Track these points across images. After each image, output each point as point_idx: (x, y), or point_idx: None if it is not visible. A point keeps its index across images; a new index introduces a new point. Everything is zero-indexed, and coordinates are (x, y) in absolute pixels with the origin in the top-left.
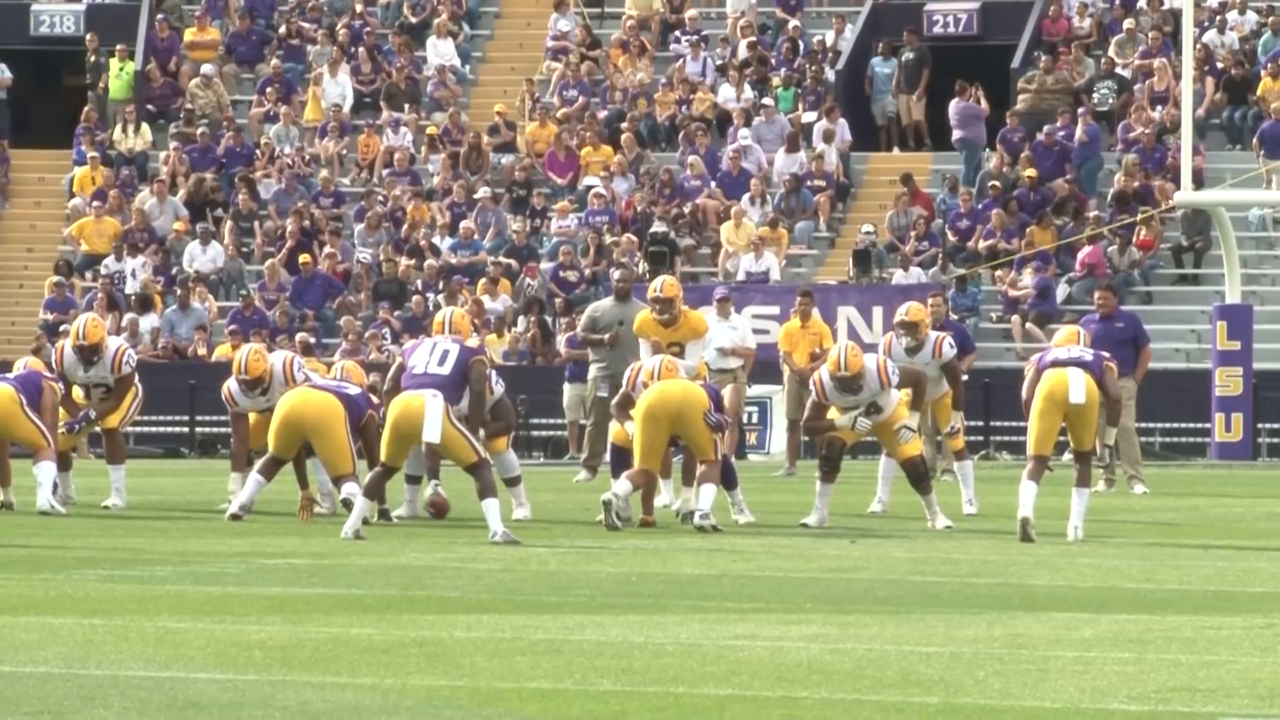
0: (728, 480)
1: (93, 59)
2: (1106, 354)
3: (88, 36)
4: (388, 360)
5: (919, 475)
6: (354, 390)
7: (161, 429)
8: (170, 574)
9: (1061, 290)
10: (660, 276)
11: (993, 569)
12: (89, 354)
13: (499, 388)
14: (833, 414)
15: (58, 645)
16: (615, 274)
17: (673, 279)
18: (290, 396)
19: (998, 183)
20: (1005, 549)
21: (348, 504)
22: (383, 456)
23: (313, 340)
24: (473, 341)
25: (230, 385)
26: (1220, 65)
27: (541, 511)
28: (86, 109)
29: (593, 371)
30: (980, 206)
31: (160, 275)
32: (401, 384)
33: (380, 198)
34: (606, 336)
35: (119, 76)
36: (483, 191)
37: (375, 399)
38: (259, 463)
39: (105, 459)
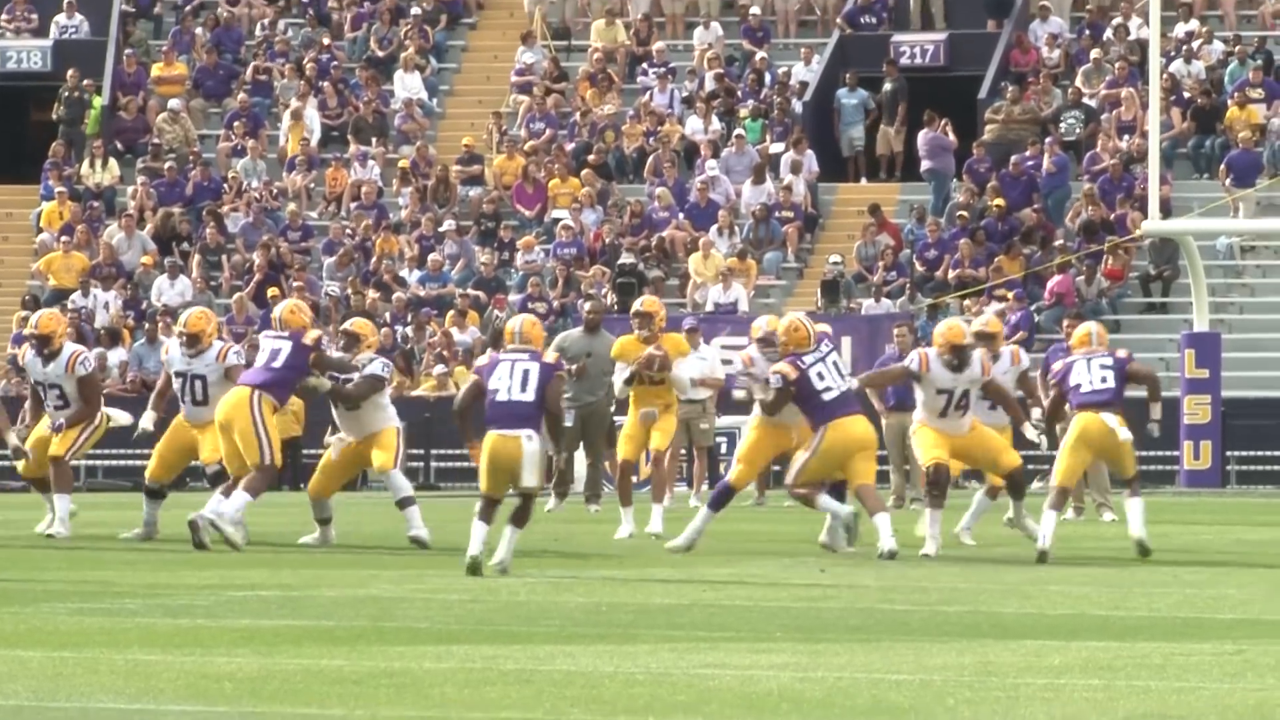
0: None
1: (71, 94)
2: (1123, 352)
3: (69, 73)
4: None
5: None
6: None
7: (130, 462)
8: (139, 606)
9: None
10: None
11: (962, 597)
12: (41, 346)
13: None
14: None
15: (27, 678)
16: (586, 305)
17: (654, 297)
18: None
19: (965, 213)
20: (975, 576)
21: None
22: (483, 488)
23: None
24: (548, 356)
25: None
26: (1187, 94)
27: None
28: (55, 144)
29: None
30: (948, 236)
31: (129, 309)
32: (487, 410)
33: (348, 231)
34: (574, 368)
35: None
36: (450, 224)
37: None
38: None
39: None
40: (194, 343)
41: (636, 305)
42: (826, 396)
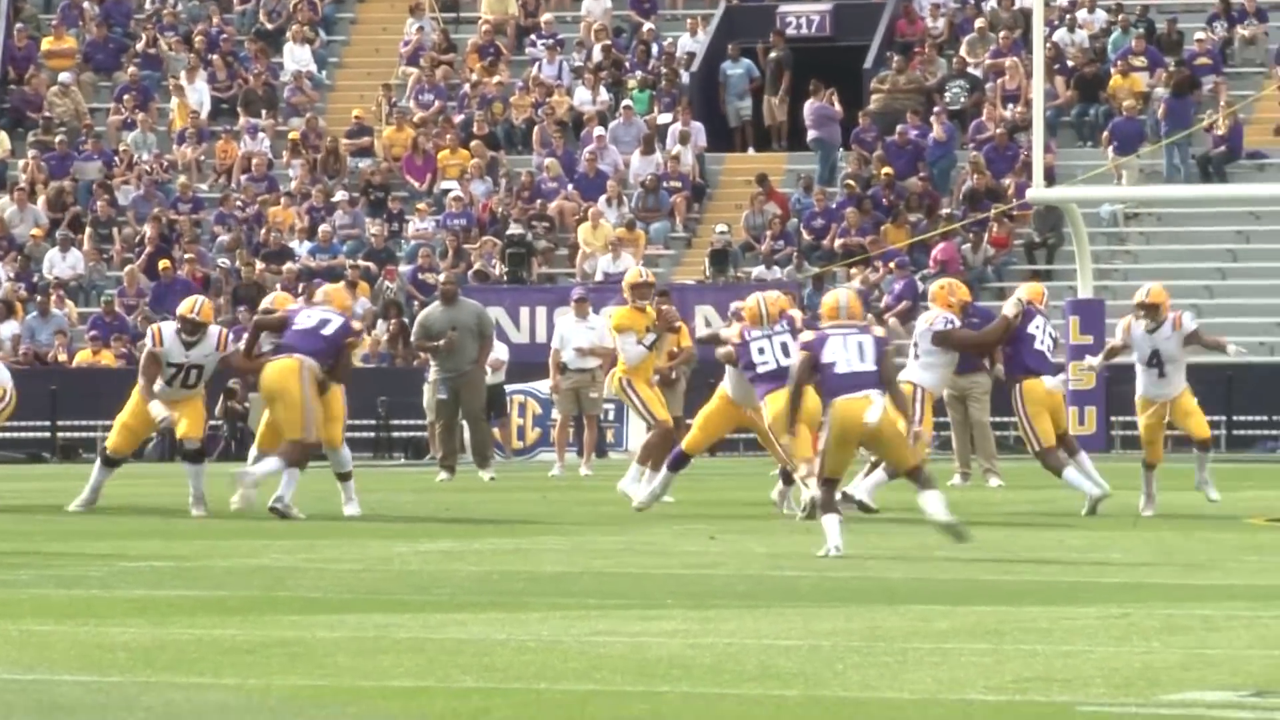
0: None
1: None
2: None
3: None
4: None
5: None
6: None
7: (23, 434)
8: (33, 577)
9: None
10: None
11: (850, 562)
12: None
13: None
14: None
15: None
16: (441, 278)
17: (644, 268)
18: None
19: (852, 182)
20: (863, 543)
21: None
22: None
23: None
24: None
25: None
26: (1071, 63)
27: (404, 511)
28: None
29: (432, 375)
30: (835, 205)
31: (21, 282)
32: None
33: (238, 202)
34: (441, 343)
35: None
36: (341, 195)
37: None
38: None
39: None
40: (195, 330)
41: (631, 279)
42: (761, 370)
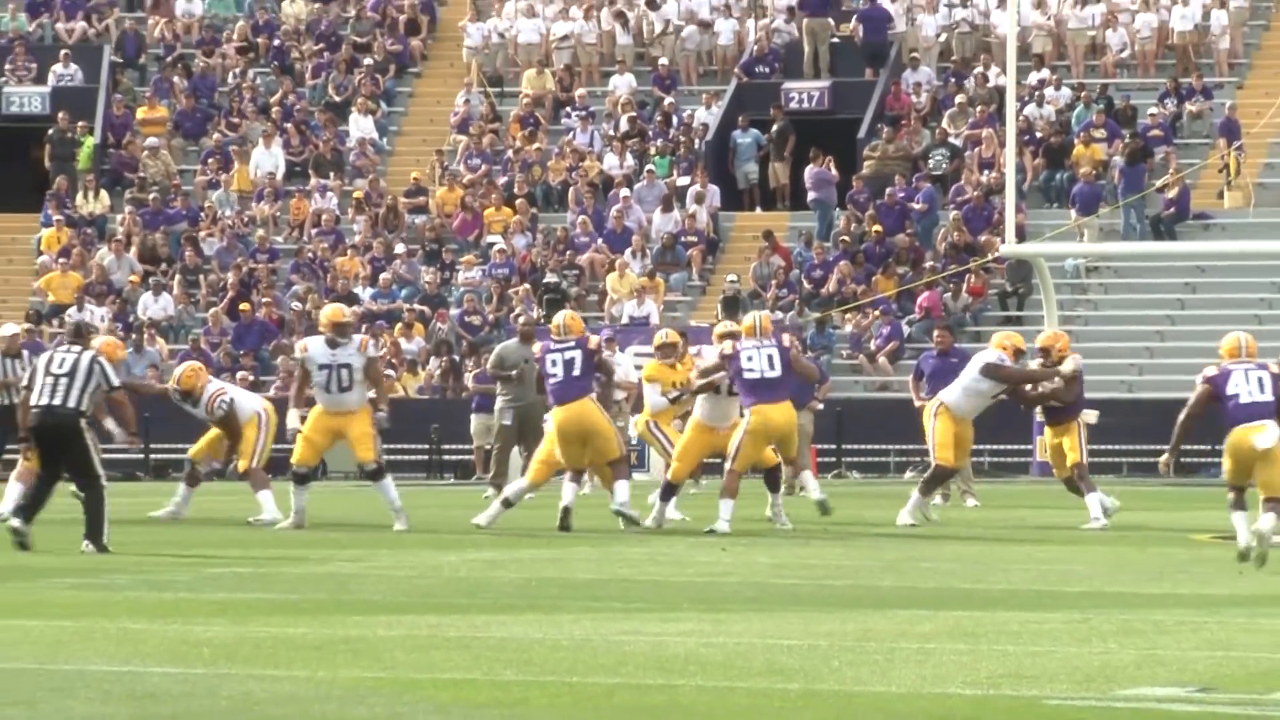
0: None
1: (62, 135)
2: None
3: (60, 116)
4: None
5: None
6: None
7: (120, 455)
8: (129, 581)
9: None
10: (663, 329)
11: (845, 573)
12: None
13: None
14: None
15: (30, 645)
16: (520, 319)
17: (673, 330)
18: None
19: (847, 238)
20: (856, 555)
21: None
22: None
23: (251, 378)
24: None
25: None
26: (1039, 134)
27: (453, 525)
28: (58, 178)
29: (499, 403)
30: (831, 258)
31: (118, 321)
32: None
33: (309, 253)
34: (514, 372)
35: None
36: (399, 248)
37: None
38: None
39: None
40: (343, 332)
41: (659, 340)
42: (747, 376)
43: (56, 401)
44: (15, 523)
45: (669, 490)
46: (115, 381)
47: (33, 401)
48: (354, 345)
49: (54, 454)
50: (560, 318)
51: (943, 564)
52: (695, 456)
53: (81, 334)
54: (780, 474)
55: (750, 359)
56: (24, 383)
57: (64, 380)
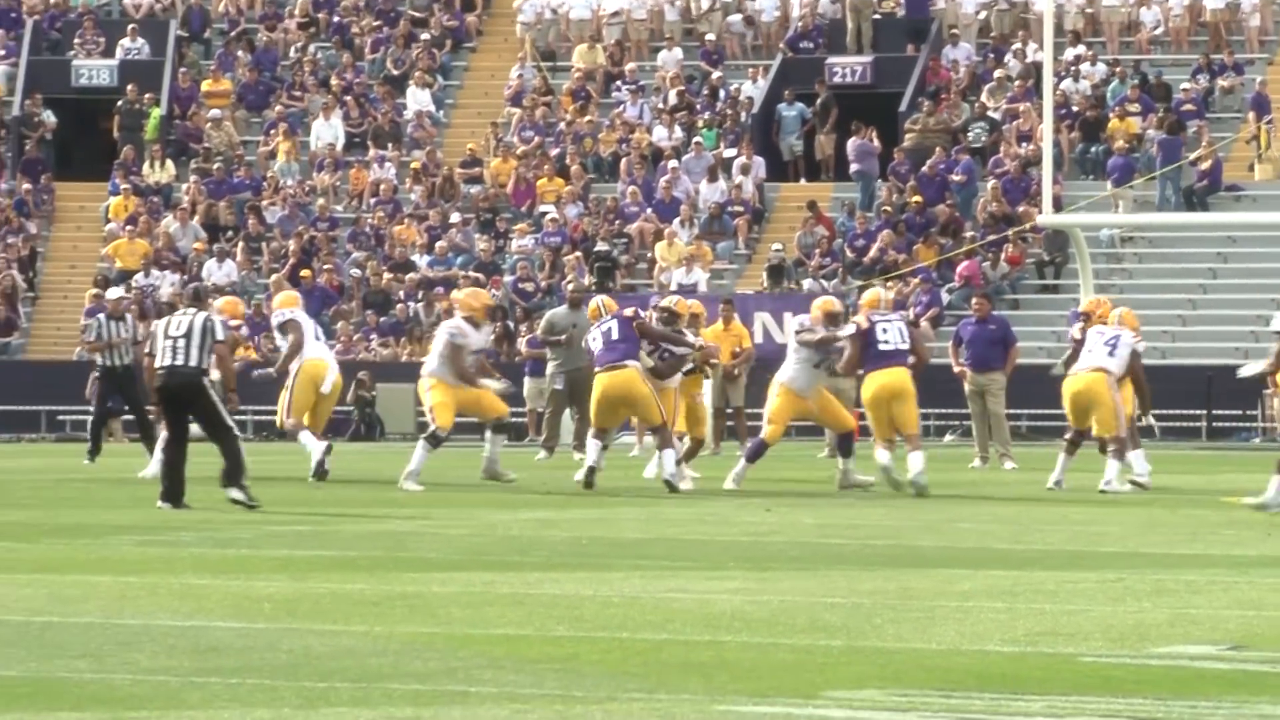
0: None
1: (130, 106)
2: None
3: (128, 88)
4: (374, 357)
5: None
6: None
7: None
8: (193, 539)
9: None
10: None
11: (887, 532)
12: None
13: None
14: None
15: (98, 599)
16: (570, 285)
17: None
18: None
19: (888, 208)
20: (897, 515)
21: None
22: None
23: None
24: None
25: None
26: (1075, 108)
27: (507, 486)
28: (125, 148)
29: (550, 368)
30: (874, 228)
31: (183, 288)
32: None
33: (368, 221)
34: (564, 337)
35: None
36: (455, 216)
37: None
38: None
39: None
40: (493, 317)
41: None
42: (882, 348)
43: (179, 362)
44: (163, 506)
45: (759, 450)
46: (220, 335)
47: (157, 364)
48: (488, 330)
49: (181, 412)
50: (597, 300)
51: (981, 524)
52: (785, 420)
53: (200, 297)
54: (854, 440)
55: (885, 331)
56: (147, 349)
57: (182, 341)
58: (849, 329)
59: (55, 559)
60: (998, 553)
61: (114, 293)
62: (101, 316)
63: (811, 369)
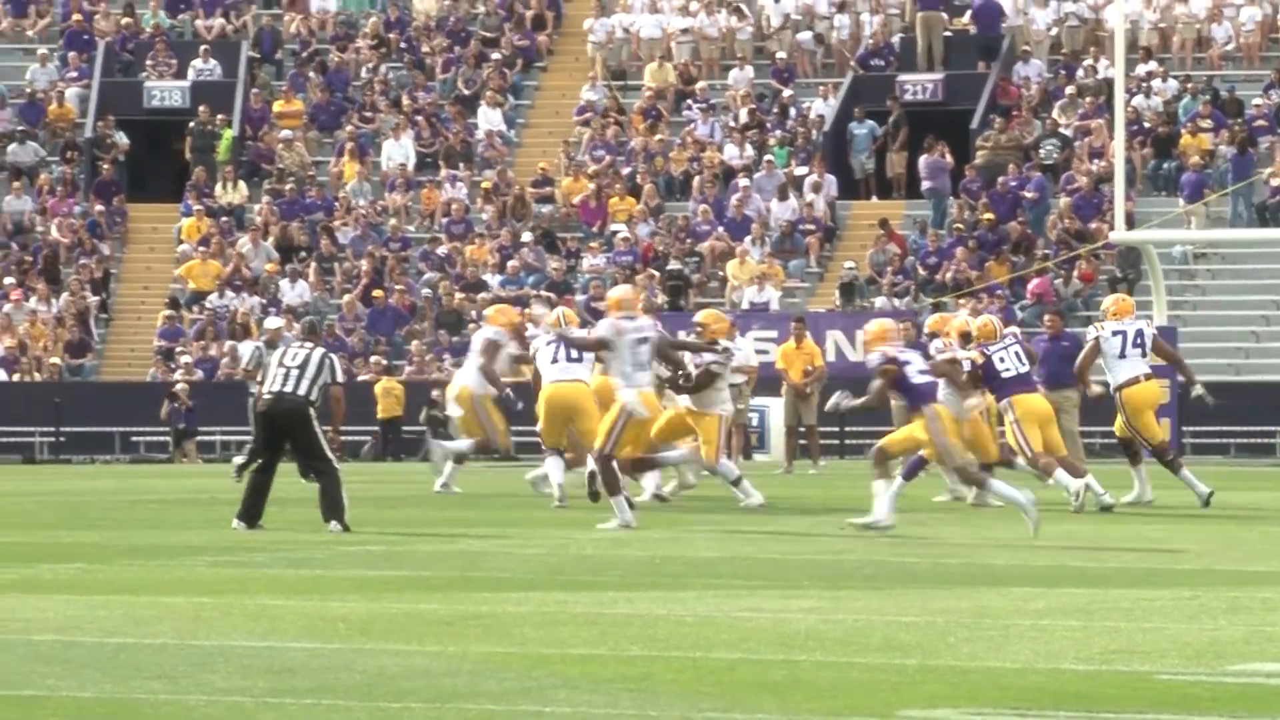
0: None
1: (202, 127)
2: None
3: (200, 109)
4: (446, 377)
5: None
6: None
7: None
8: (266, 559)
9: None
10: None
11: (961, 551)
12: None
13: None
14: None
15: (172, 620)
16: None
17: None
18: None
19: (960, 225)
20: (972, 534)
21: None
22: None
23: (385, 362)
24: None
25: None
26: (1147, 125)
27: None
28: (198, 169)
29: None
30: (946, 245)
31: (269, 309)
32: None
33: (440, 241)
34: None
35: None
36: (526, 236)
37: None
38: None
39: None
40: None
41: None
42: (1004, 375)
43: (288, 389)
44: (238, 525)
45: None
46: (340, 377)
47: (265, 389)
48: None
49: (279, 439)
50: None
51: (1056, 542)
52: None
53: (314, 332)
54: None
55: (1003, 360)
56: (258, 377)
57: (295, 371)
58: (965, 364)
59: (130, 580)
60: (1073, 571)
61: (273, 322)
62: (262, 344)
63: (958, 395)
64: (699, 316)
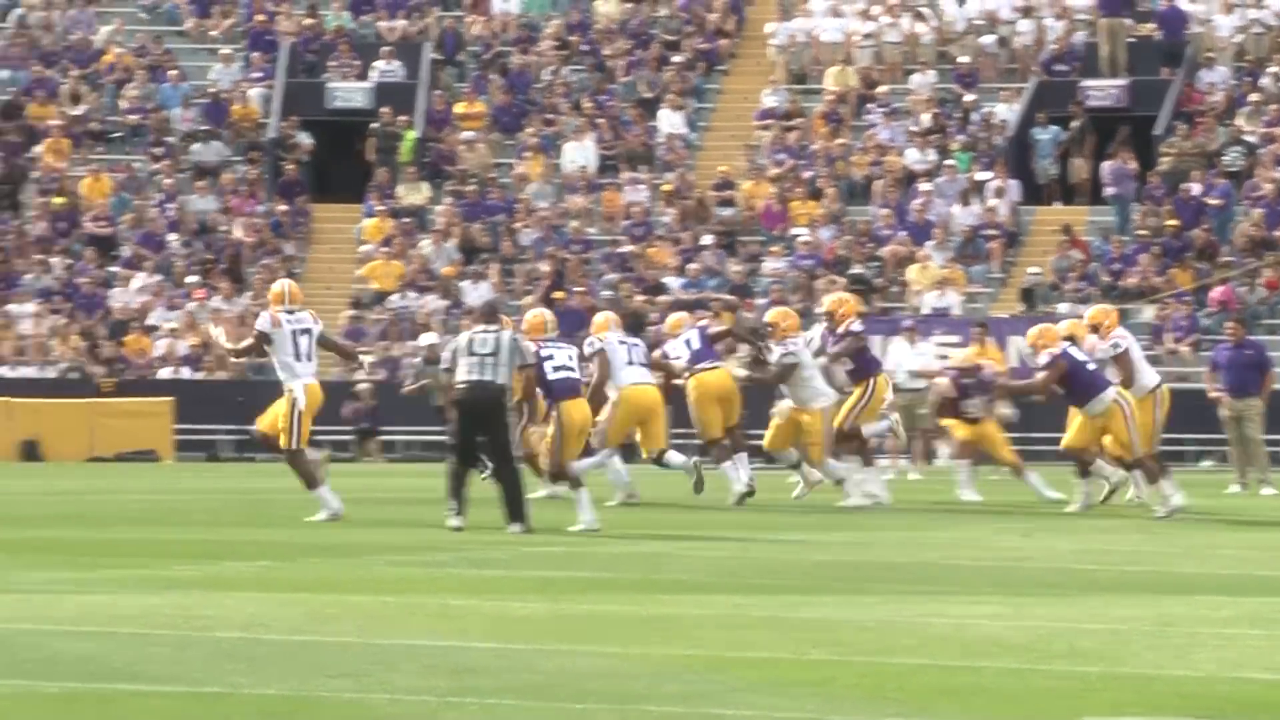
0: None
1: (384, 128)
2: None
3: (382, 111)
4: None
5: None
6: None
7: (430, 436)
8: (449, 559)
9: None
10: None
11: (1145, 558)
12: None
13: None
14: None
15: (354, 619)
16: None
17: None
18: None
19: (1144, 232)
20: (1156, 541)
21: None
22: None
23: None
24: None
25: None
26: None
27: (761, 507)
28: (380, 170)
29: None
30: (1130, 252)
31: (454, 310)
32: None
33: (621, 244)
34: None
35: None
36: (707, 239)
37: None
38: None
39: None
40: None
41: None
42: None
43: (486, 377)
44: (455, 522)
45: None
46: (530, 359)
47: (458, 379)
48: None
49: (476, 430)
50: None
51: (1242, 550)
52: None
53: (495, 312)
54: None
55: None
56: (444, 365)
57: (489, 359)
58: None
59: (313, 578)
60: (1259, 579)
61: (427, 338)
62: (421, 360)
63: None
64: (769, 315)
